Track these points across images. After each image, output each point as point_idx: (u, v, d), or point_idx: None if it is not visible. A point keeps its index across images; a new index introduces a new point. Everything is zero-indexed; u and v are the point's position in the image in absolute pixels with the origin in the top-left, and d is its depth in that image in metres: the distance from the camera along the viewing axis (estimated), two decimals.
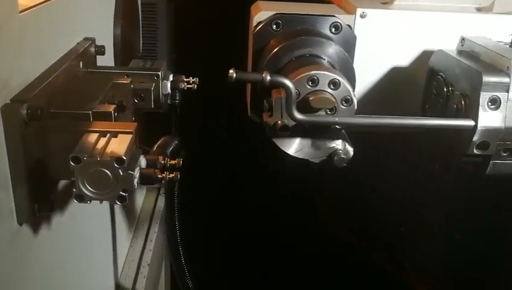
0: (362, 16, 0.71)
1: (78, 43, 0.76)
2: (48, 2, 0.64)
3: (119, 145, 0.56)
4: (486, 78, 0.60)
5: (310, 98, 0.59)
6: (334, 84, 0.59)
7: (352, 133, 0.65)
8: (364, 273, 1.81)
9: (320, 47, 0.66)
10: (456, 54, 0.69)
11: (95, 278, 0.99)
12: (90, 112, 0.60)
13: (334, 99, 0.59)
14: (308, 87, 0.60)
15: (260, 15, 0.70)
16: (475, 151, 0.62)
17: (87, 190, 0.54)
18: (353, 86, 0.66)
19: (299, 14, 0.69)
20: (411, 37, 0.73)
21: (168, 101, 0.84)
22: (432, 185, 1.70)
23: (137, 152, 0.59)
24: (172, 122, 0.91)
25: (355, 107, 0.61)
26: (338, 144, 0.63)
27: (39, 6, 0.62)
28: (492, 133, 0.61)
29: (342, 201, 2.06)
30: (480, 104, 0.60)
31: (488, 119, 0.61)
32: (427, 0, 0.75)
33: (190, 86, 0.84)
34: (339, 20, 0.70)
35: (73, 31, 0.76)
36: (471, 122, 0.61)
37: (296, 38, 0.66)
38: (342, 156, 0.63)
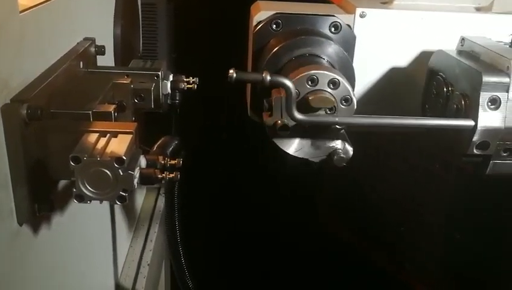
0: (362, 16, 0.72)
1: (78, 43, 0.76)
2: (48, 2, 0.64)
3: (119, 145, 0.56)
4: (486, 78, 0.60)
5: (310, 98, 0.59)
6: (334, 83, 0.59)
7: (352, 133, 0.65)
8: (364, 273, 1.81)
9: (320, 47, 0.66)
10: (456, 54, 0.69)
11: (95, 278, 0.99)
12: (90, 112, 0.60)
13: (333, 99, 0.59)
14: (308, 86, 0.60)
15: (260, 15, 0.70)
16: (475, 151, 0.62)
17: (87, 190, 0.54)
18: (353, 86, 0.66)
19: (298, 13, 0.69)
20: (411, 37, 0.73)
21: (168, 101, 0.84)
22: (432, 185, 1.70)
23: (137, 152, 0.59)
24: (172, 122, 0.91)
25: (355, 106, 0.61)
26: (338, 143, 0.63)
27: (39, 6, 0.62)
28: (492, 133, 0.61)
29: (341, 201, 2.06)
30: (480, 104, 0.60)
31: (488, 119, 0.61)
32: (426, 0, 0.75)
33: (190, 86, 0.84)
34: (339, 20, 0.70)
35: (74, 31, 0.76)
36: (471, 122, 0.61)
37: (296, 38, 0.66)
38: (342, 155, 0.63)
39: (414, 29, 0.73)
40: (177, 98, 0.85)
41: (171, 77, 0.82)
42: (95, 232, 0.97)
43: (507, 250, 1.51)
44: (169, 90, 0.82)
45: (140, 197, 1.49)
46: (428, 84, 0.72)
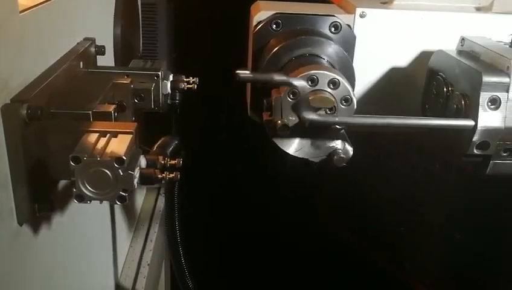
0: (362, 16, 0.71)
1: (78, 43, 0.76)
2: (48, 2, 0.64)
3: (119, 145, 0.56)
4: (486, 78, 0.60)
5: (310, 98, 0.59)
6: (334, 83, 0.59)
7: (352, 133, 0.65)
8: (364, 273, 1.81)
9: (320, 47, 0.66)
10: (456, 54, 0.69)
11: (95, 278, 0.99)
12: (90, 112, 0.61)
13: (333, 99, 0.59)
14: (308, 86, 0.59)
15: (260, 15, 0.70)
16: (475, 151, 0.62)
17: (87, 190, 0.54)
18: (353, 86, 0.66)
19: (298, 13, 0.69)
20: (411, 37, 0.73)
21: (168, 101, 0.84)
22: (432, 185, 1.70)
23: (137, 152, 0.59)
24: (172, 122, 0.91)
25: (355, 106, 0.61)
26: (338, 143, 0.63)
27: (39, 6, 0.62)
28: (492, 133, 0.61)
29: (341, 201, 2.06)
30: (480, 104, 0.60)
31: (488, 119, 0.61)
32: (426, 0, 0.75)
33: (190, 86, 0.84)
34: (339, 20, 0.70)
35: (74, 31, 0.76)
36: (471, 122, 0.61)
37: (296, 37, 0.66)
38: (342, 155, 0.63)
39: (414, 29, 0.73)
40: (177, 98, 0.85)
41: (171, 77, 0.82)
42: (95, 232, 0.97)
43: (507, 250, 1.51)
44: (169, 90, 0.82)
45: (140, 197, 1.49)
46: (428, 84, 0.72)
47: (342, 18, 0.70)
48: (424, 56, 0.73)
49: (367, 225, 1.92)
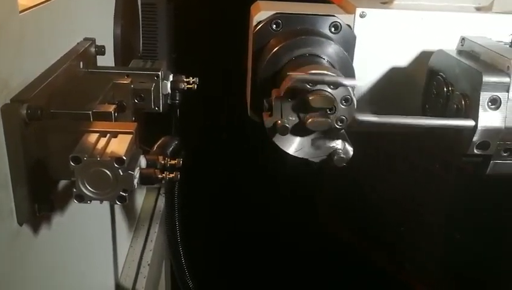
0: (362, 16, 0.71)
1: (78, 43, 0.76)
2: (48, 2, 0.64)
3: (119, 145, 0.56)
4: (487, 78, 0.60)
5: (310, 98, 0.59)
6: (334, 83, 0.59)
7: (352, 133, 0.65)
8: (364, 273, 1.81)
9: (320, 46, 0.66)
10: (456, 54, 0.69)
11: (95, 278, 0.99)
12: (90, 112, 0.60)
13: (333, 99, 0.59)
14: (308, 86, 0.59)
15: (260, 15, 0.70)
16: (475, 151, 0.62)
17: (87, 190, 0.54)
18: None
19: (299, 13, 0.69)
20: (411, 37, 0.73)
21: (168, 101, 0.84)
22: (432, 185, 1.70)
23: (138, 152, 0.59)
24: (172, 122, 0.91)
25: (355, 106, 0.61)
26: (338, 143, 0.63)
27: (39, 6, 0.62)
28: (492, 133, 0.61)
29: (341, 201, 2.06)
30: (481, 104, 0.60)
31: (488, 119, 0.61)
32: (426, 0, 0.75)
33: (190, 86, 0.84)
34: (339, 20, 0.70)
35: (74, 31, 0.76)
36: (472, 122, 0.61)
37: (296, 37, 0.66)
38: (342, 155, 0.63)
39: (414, 29, 0.73)
40: (177, 98, 0.85)
41: (171, 77, 0.82)
42: (95, 232, 0.97)
43: (507, 250, 1.51)
44: (169, 91, 0.82)
45: (141, 197, 1.49)
46: (428, 84, 0.72)
47: (342, 18, 0.70)
48: (424, 56, 0.73)
49: (367, 225, 1.92)
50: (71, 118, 0.60)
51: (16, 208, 0.56)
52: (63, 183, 0.67)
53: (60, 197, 0.67)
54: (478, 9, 0.75)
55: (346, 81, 0.59)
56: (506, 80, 0.60)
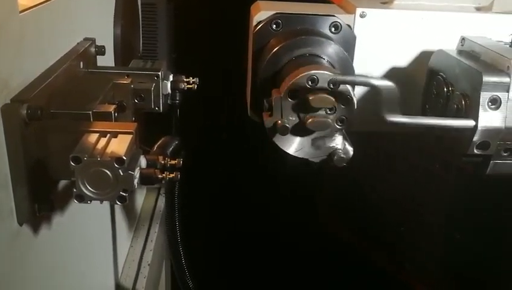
0: (362, 16, 0.71)
1: (78, 43, 0.76)
2: (48, 2, 0.64)
3: (120, 145, 0.56)
4: (487, 78, 0.60)
5: (310, 98, 0.59)
6: (334, 83, 0.59)
7: (352, 133, 0.65)
8: (364, 273, 1.81)
9: (320, 47, 0.66)
10: (456, 53, 0.69)
11: (95, 278, 0.99)
12: (90, 112, 0.60)
13: (333, 99, 0.59)
14: (308, 86, 0.59)
15: (260, 15, 0.70)
16: (475, 151, 0.62)
17: (87, 190, 0.54)
18: (353, 86, 0.66)
19: (299, 13, 0.69)
20: (411, 37, 0.73)
21: (168, 101, 0.84)
22: (432, 185, 1.70)
23: (138, 152, 0.59)
24: (173, 122, 0.91)
25: (355, 106, 0.61)
26: (338, 143, 0.63)
27: (39, 6, 0.62)
28: (492, 133, 0.61)
29: (341, 201, 2.06)
30: (481, 104, 0.60)
31: (489, 119, 0.61)
32: (426, 0, 0.75)
33: (190, 86, 0.84)
34: (339, 20, 0.70)
35: (74, 31, 0.76)
36: (472, 122, 0.61)
37: (296, 37, 0.66)
38: (342, 155, 0.63)
39: (414, 29, 0.73)
40: (177, 98, 0.85)
41: (171, 77, 0.82)
42: (95, 232, 0.97)
43: (507, 250, 1.51)
44: (169, 91, 0.82)
45: (141, 197, 1.49)
46: (428, 84, 0.72)
47: (342, 18, 0.70)
48: (424, 56, 0.73)
49: (367, 225, 1.92)
50: (71, 118, 0.60)
51: (16, 208, 0.56)
52: (63, 183, 0.67)
53: (60, 197, 0.67)
54: (478, 9, 0.75)
55: (382, 82, 0.59)
56: (506, 80, 0.60)
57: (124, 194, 0.55)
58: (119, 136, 0.58)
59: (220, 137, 1.90)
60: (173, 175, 0.63)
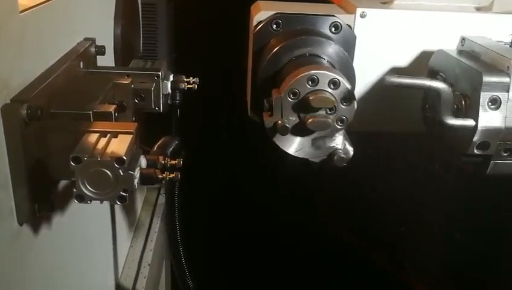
0: (362, 16, 0.72)
1: (78, 43, 0.76)
2: (49, 2, 0.64)
3: (120, 145, 0.56)
4: (487, 78, 0.60)
5: (310, 98, 0.59)
6: (334, 83, 0.59)
7: (352, 133, 0.65)
8: (364, 273, 1.81)
9: (320, 47, 0.66)
10: (456, 53, 0.69)
11: (95, 278, 0.99)
12: (90, 112, 0.60)
13: (334, 99, 0.59)
14: (308, 86, 0.60)
15: (260, 15, 0.70)
16: (475, 151, 0.62)
17: (87, 190, 0.54)
18: (353, 86, 0.66)
19: (299, 13, 0.69)
20: (411, 37, 0.73)
21: (169, 101, 0.84)
22: (432, 185, 1.70)
23: (138, 152, 0.59)
24: (173, 122, 0.91)
25: (355, 106, 0.61)
26: (338, 143, 0.63)
27: (39, 6, 0.62)
28: (492, 133, 0.61)
29: (341, 201, 2.06)
30: (481, 104, 0.60)
31: (489, 119, 0.61)
32: (426, 0, 0.75)
33: (190, 86, 0.84)
34: (339, 20, 0.70)
35: (74, 31, 0.76)
36: (472, 123, 0.61)
37: (296, 37, 0.66)
38: (342, 155, 0.63)
39: (414, 29, 0.73)
40: (178, 98, 0.85)
41: (171, 77, 0.82)
42: (95, 232, 0.97)
43: (507, 250, 1.51)
44: (169, 91, 0.82)
45: (141, 197, 1.49)
46: None
47: (342, 18, 0.70)
48: (425, 56, 0.73)
49: (367, 225, 1.92)
50: (71, 118, 0.60)
51: (16, 208, 0.56)
52: (63, 183, 0.67)
53: (60, 197, 0.67)
54: (478, 9, 0.75)
55: (439, 84, 0.60)
56: (506, 80, 0.60)
57: (124, 194, 0.55)
58: (120, 136, 0.57)
59: (220, 137, 1.90)
60: (173, 175, 0.63)
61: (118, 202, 0.55)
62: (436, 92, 0.62)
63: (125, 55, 1.05)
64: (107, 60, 0.89)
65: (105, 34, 0.98)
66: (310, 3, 0.74)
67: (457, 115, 0.64)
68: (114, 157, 0.53)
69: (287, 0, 0.74)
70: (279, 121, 0.60)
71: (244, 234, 1.89)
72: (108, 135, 0.57)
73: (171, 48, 1.42)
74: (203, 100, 1.34)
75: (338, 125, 0.61)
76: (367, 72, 0.74)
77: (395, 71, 0.75)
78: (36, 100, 0.55)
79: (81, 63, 0.74)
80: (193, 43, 1.60)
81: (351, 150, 0.64)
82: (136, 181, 0.56)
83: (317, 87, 0.60)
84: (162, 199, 1.50)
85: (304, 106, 0.60)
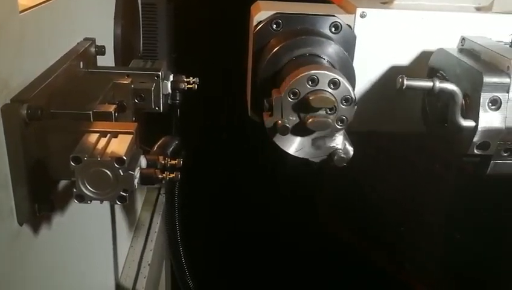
0: (362, 16, 0.72)
1: (78, 43, 0.76)
2: (49, 2, 0.64)
3: (120, 145, 0.56)
4: (487, 79, 0.59)
5: (310, 98, 0.59)
6: (334, 83, 0.59)
7: (352, 133, 0.65)
8: (364, 273, 1.81)
9: (320, 46, 0.66)
10: (457, 52, 0.69)
11: (95, 278, 0.99)
12: (90, 112, 0.60)
13: (334, 99, 0.59)
14: (308, 86, 0.60)
15: (260, 15, 0.70)
16: (475, 151, 0.62)
17: (87, 190, 0.54)
18: (353, 86, 0.66)
19: (299, 13, 0.70)
20: (411, 37, 0.73)
21: (169, 101, 0.84)
22: (432, 185, 1.70)
23: (138, 152, 0.59)
24: (173, 122, 0.91)
25: (356, 106, 0.61)
26: (338, 143, 0.63)
27: (39, 6, 0.62)
28: (492, 133, 0.61)
29: (341, 201, 2.06)
30: (481, 104, 0.60)
31: (489, 119, 0.61)
32: (426, 0, 0.75)
33: (190, 86, 0.84)
34: (339, 20, 0.70)
35: (74, 31, 0.76)
36: (472, 123, 0.61)
37: (296, 37, 0.66)
38: (342, 155, 0.63)
39: (414, 29, 0.73)
40: (178, 98, 0.85)
41: (171, 77, 0.82)
42: (95, 232, 0.97)
43: (507, 250, 1.51)
44: (169, 91, 0.82)
45: (141, 197, 1.49)
46: None
47: (343, 18, 0.70)
48: (425, 56, 0.73)
49: (367, 225, 1.92)
50: (71, 118, 0.60)
51: (16, 208, 0.56)
52: (63, 183, 0.67)
53: (60, 197, 0.67)
54: (478, 9, 0.75)
55: (450, 86, 0.60)
56: (507, 80, 0.60)
57: (124, 194, 0.55)
58: (120, 136, 0.57)
59: (220, 137, 1.90)
60: (173, 175, 0.63)
61: (118, 202, 0.55)
62: (449, 94, 0.61)
63: (125, 55, 1.05)
64: (107, 60, 0.89)
65: (105, 34, 0.98)
66: (310, 3, 0.74)
67: None
68: (114, 157, 0.53)
69: (287, 0, 0.74)
70: (279, 121, 0.60)
71: (244, 234, 1.89)
72: (108, 135, 0.57)
73: (171, 48, 1.42)
74: (203, 100, 1.33)
75: (338, 125, 0.61)
76: (367, 72, 0.74)
77: (395, 71, 0.75)
78: (36, 100, 0.55)
79: (81, 63, 0.74)
80: (193, 43, 1.60)
81: (351, 150, 0.64)
82: (136, 181, 0.56)
83: (317, 87, 0.60)
84: (162, 199, 1.50)
85: (304, 106, 0.60)
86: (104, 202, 0.55)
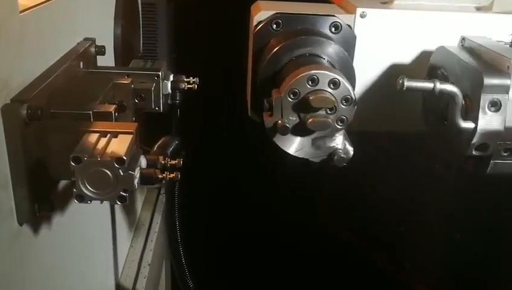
0: (362, 16, 0.72)
1: (78, 43, 0.76)
2: (49, 2, 0.64)
3: (120, 145, 0.56)
4: (487, 80, 0.59)
5: (310, 98, 0.59)
6: (334, 83, 0.59)
7: (352, 133, 0.65)
8: (364, 273, 1.81)
9: (320, 46, 0.66)
10: (457, 51, 0.68)
11: (95, 278, 0.99)
12: (90, 112, 0.60)
13: (334, 99, 0.59)
14: (308, 86, 0.60)
15: (260, 15, 0.70)
16: (474, 152, 0.62)
17: (87, 190, 0.54)
18: (353, 86, 0.66)
19: (299, 13, 0.70)
20: (411, 37, 0.73)
21: (169, 101, 0.84)
22: (432, 185, 1.70)
23: (138, 152, 0.59)
24: (173, 122, 0.91)
25: (356, 106, 0.61)
26: (338, 143, 0.63)
27: (39, 6, 0.62)
28: (491, 135, 0.61)
29: (341, 201, 2.06)
30: (481, 106, 0.60)
31: (488, 121, 0.60)
32: (426, 0, 0.75)
33: (190, 86, 0.84)
34: (339, 20, 0.70)
35: (74, 31, 0.76)
36: (471, 125, 0.61)
37: (296, 37, 0.66)
38: (342, 155, 0.63)
39: (414, 29, 0.73)
40: (178, 98, 0.85)
41: (171, 77, 0.82)
42: (95, 232, 0.97)
43: (507, 250, 1.51)
44: (169, 90, 0.82)
45: (141, 197, 1.49)
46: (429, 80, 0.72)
47: (343, 18, 0.70)
48: (425, 56, 0.73)
49: (367, 225, 1.92)
50: (71, 118, 0.60)
51: (16, 208, 0.56)
52: (63, 183, 0.67)
53: (60, 197, 0.67)
54: (478, 9, 0.75)
55: (452, 87, 0.61)
56: (507, 81, 0.60)
57: (124, 194, 0.55)
58: (120, 136, 0.57)
59: (220, 137, 1.90)
60: (173, 175, 0.63)
61: (118, 202, 0.55)
62: (449, 95, 0.61)
63: (125, 55, 1.05)
64: (107, 60, 0.89)
65: (105, 34, 0.98)
66: (310, 3, 0.74)
67: None
68: (114, 157, 0.53)
69: (287, 0, 0.74)
70: (279, 121, 0.60)
71: (244, 234, 1.89)
72: (108, 135, 0.57)
73: (171, 48, 1.42)
74: (203, 100, 1.33)
75: (338, 125, 0.61)
76: (367, 72, 0.74)
77: (395, 71, 0.75)
78: (36, 100, 0.55)
79: (81, 63, 0.74)
80: (193, 43, 1.60)
81: (351, 150, 0.64)
82: (136, 181, 0.56)
83: (317, 87, 0.60)
84: (162, 199, 1.50)
85: (304, 106, 0.60)
86: (104, 202, 0.55)
